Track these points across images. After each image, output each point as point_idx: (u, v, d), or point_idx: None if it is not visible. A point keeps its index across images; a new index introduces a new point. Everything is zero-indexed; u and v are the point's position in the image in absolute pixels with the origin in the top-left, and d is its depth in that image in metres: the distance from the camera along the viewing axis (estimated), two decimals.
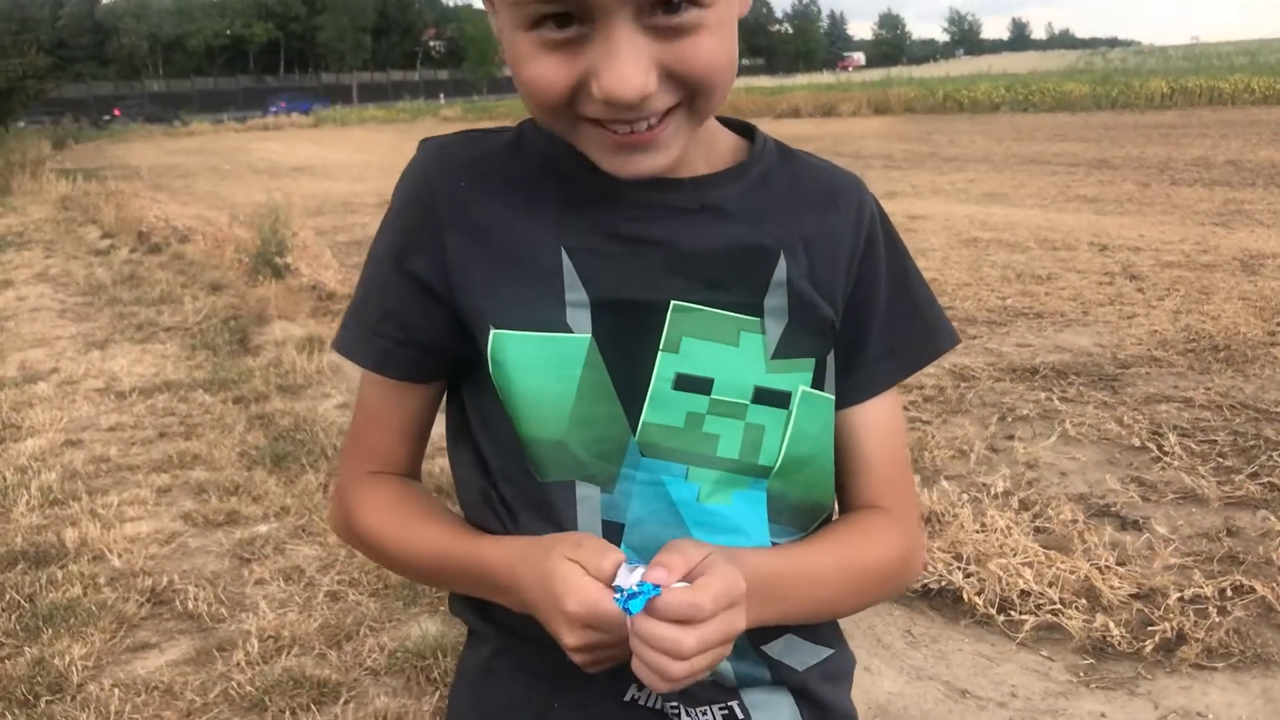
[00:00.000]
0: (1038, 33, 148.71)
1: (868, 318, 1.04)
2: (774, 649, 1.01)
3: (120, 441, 5.07)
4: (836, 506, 1.09)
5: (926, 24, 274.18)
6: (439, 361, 1.00)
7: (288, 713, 2.87)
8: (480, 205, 0.97)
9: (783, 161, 1.05)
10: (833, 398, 1.02)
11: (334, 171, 23.32)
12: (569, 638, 0.84)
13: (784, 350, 0.98)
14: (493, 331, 0.93)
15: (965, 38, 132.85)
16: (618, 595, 0.81)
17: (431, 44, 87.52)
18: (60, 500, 4.39)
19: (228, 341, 6.92)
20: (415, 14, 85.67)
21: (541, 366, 0.93)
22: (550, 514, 0.95)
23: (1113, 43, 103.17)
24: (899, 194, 14.17)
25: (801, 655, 1.04)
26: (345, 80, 77.03)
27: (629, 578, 0.83)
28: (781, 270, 0.98)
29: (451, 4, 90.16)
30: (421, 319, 0.98)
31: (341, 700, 2.95)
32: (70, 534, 3.98)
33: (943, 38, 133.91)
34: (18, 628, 3.38)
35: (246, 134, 44.85)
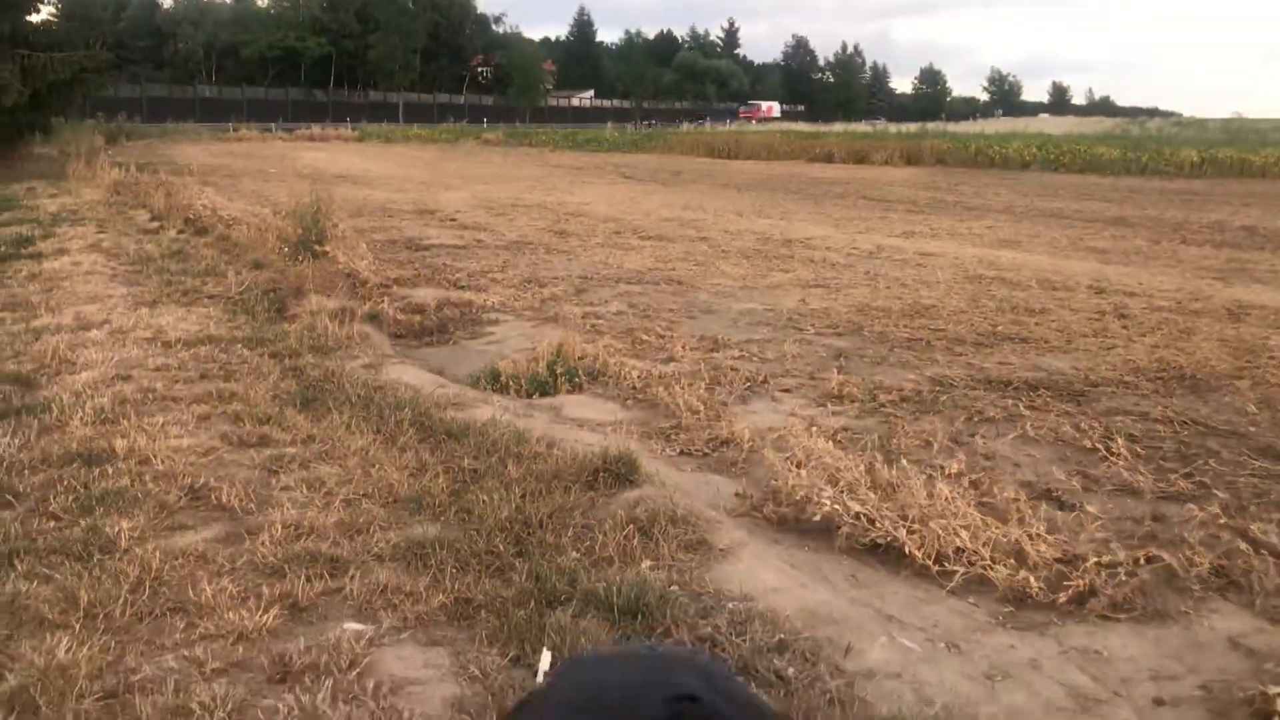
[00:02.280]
0: (1078, 98, 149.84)
1: None
2: None
3: (165, 379, 5.59)
4: None
5: (968, 82, 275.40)
6: None
7: (303, 578, 3.36)
8: None
9: None
10: None
11: (375, 182, 23.98)
12: None
13: None
14: None
15: (1005, 98, 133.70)
16: None
17: (479, 70, 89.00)
18: (111, 419, 4.90)
19: (266, 309, 7.46)
20: (465, 39, 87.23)
21: None
22: None
23: (1153, 113, 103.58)
24: (916, 234, 14.63)
25: None
26: (393, 99, 78.41)
27: None
28: None
29: (501, 31, 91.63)
30: None
31: (349, 574, 3.43)
32: (120, 443, 4.49)
33: (983, 97, 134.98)
34: (74, 505, 3.89)
35: (293, 143, 45.76)
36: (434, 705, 2.75)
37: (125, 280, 8.64)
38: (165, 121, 54.86)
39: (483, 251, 12.02)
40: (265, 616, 3.14)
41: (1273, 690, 3.05)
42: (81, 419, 4.85)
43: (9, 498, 3.98)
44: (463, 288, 9.56)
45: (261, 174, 26.22)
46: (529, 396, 5.85)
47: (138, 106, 62.51)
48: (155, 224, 12.60)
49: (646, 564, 3.67)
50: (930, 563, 4.04)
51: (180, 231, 11.61)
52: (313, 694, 2.74)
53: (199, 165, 26.68)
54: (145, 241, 10.88)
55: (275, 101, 75.98)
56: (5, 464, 4.28)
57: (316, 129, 52.58)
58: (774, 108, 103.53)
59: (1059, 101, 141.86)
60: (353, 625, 3.10)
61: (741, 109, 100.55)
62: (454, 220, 15.46)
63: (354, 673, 2.87)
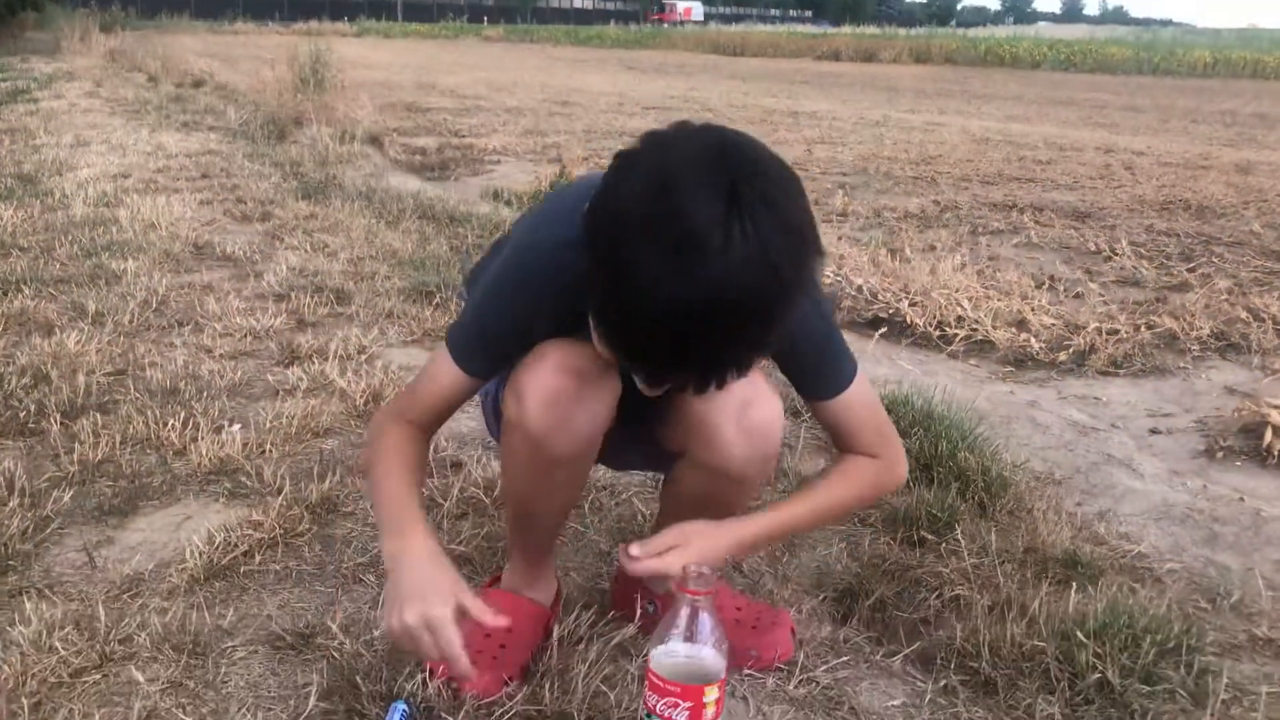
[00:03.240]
0: (1091, 9, 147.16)
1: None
2: None
3: (167, 176, 5.57)
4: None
5: None
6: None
7: (310, 303, 3.37)
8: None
9: None
10: None
11: (374, 66, 23.61)
12: (393, 621, 1.25)
13: None
14: None
15: (1016, 6, 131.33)
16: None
17: None
18: (113, 202, 4.88)
19: (266, 136, 7.40)
20: None
21: None
22: None
23: (1167, 23, 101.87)
24: (922, 111, 14.47)
25: None
26: None
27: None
28: None
29: None
30: (523, 352, 1.40)
31: (354, 304, 3.44)
32: (122, 213, 4.49)
33: (995, 5, 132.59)
34: (79, 253, 3.90)
35: (290, 36, 45.00)
36: None
37: (125, 115, 8.56)
38: (159, 17, 53.77)
39: (484, 114, 11.87)
40: (275, 320, 3.16)
41: (1265, 398, 3.07)
42: (84, 200, 4.84)
43: (14, 251, 3.97)
44: (464, 136, 9.47)
45: (259, 59, 25.88)
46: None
47: (131, 3, 61.29)
48: (151, 82, 12.44)
49: None
50: (932, 329, 4.04)
51: (178, 85, 11.46)
52: (322, 365, 2.76)
53: (197, 52, 26.29)
54: (143, 91, 10.75)
55: None
56: (10, 229, 4.27)
57: (314, 24, 51.59)
58: (692, 9, 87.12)
59: (1072, 10, 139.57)
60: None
61: (651, 11, 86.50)
62: (454, 92, 15.25)
63: (363, 357, 2.89)
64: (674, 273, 1.03)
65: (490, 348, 1.42)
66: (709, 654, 1.25)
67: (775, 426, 1.45)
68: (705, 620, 1.25)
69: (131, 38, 34.52)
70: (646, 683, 1.26)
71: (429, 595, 1.26)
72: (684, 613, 1.24)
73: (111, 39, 17.82)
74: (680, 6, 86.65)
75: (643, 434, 1.52)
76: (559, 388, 1.35)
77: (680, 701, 1.23)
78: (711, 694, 1.24)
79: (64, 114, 8.49)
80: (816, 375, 1.49)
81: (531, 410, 1.36)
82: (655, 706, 1.25)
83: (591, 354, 1.30)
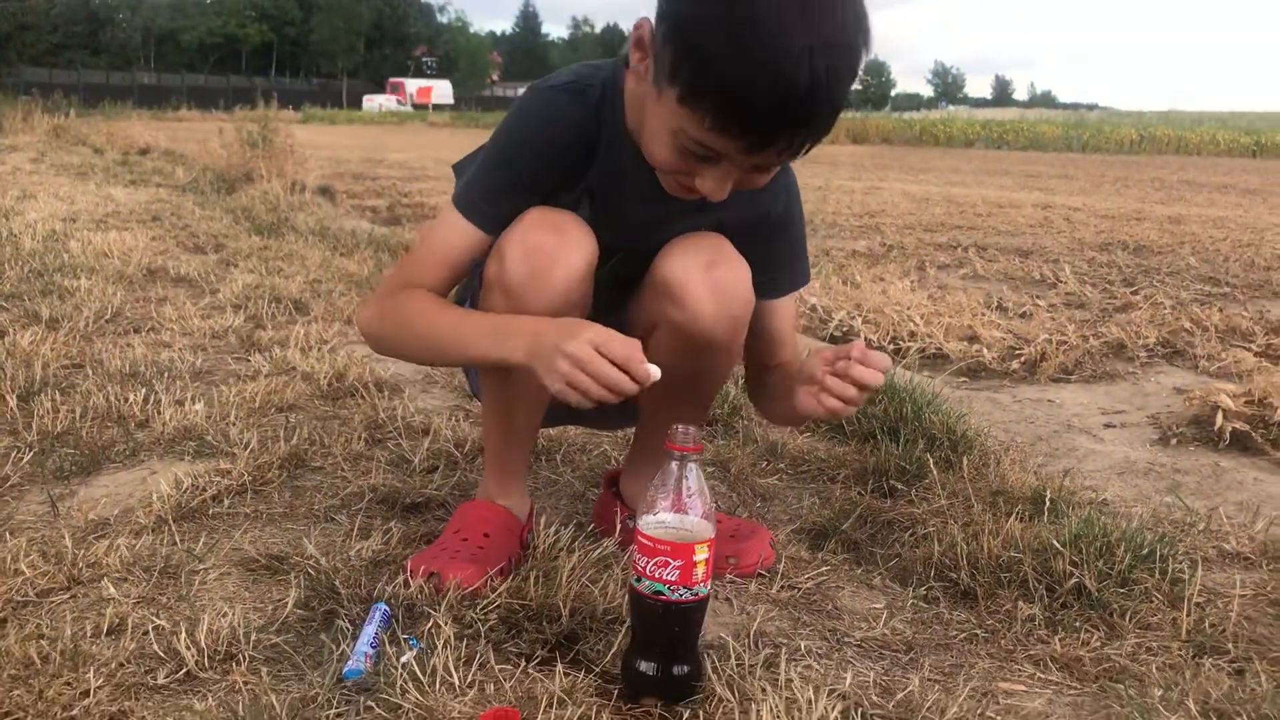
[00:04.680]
0: (1020, 94, 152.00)
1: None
2: None
3: (117, 219, 5.53)
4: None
5: (913, 79, 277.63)
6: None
7: (268, 313, 3.34)
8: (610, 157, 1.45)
9: None
10: None
11: (322, 146, 23.77)
12: (560, 366, 1.28)
13: None
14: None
15: (949, 91, 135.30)
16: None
17: (424, 59, 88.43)
18: (63, 237, 4.83)
19: (216, 190, 7.38)
20: (409, 26, 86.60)
21: None
22: None
23: (1093, 107, 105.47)
24: (864, 180, 14.78)
25: None
26: (336, 86, 77.50)
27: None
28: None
29: (445, 20, 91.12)
30: (525, 207, 1.45)
31: (313, 312, 3.42)
32: (74, 244, 4.45)
33: (927, 91, 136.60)
34: (30, 275, 3.84)
35: (235, 121, 45.14)
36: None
37: (70, 176, 8.50)
38: (103, 105, 53.68)
39: (432, 180, 11.95)
40: (234, 321, 3.13)
41: (1215, 385, 3.14)
42: (33, 237, 4.78)
43: None
44: (413, 197, 9.51)
45: (205, 142, 25.91)
46: None
47: (74, 92, 61.19)
48: (97, 154, 12.39)
49: None
50: (886, 344, 4.10)
51: (125, 154, 11.42)
52: (283, 352, 2.74)
53: (141, 130, 26.26)
54: (89, 158, 10.70)
55: (216, 89, 74.68)
56: None
57: (259, 110, 51.73)
58: (433, 89, 72.46)
59: (1002, 95, 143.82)
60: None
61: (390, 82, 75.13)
62: (402, 165, 15.34)
63: (325, 348, 2.87)
64: (802, 20, 1.14)
65: (498, 194, 1.45)
66: (698, 513, 1.24)
67: (742, 286, 1.49)
68: (693, 477, 1.25)
69: (76, 120, 34.49)
70: (635, 546, 1.25)
71: (580, 329, 1.29)
72: (672, 469, 1.24)
73: (55, 119, 17.72)
74: (411, 86, 74.77)
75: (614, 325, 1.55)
76: (536, 242, 1.40)
77: (670, 560, 1.23)
78: (701, 552, 1.24)
79: (8, 176, 8.42)
80: (788, 263, 1.54)
81: (510, 262, 1.40)
82: (645, 568, 1.24)
83: (570, 215, 1.34)
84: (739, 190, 1.33)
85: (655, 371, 1.28)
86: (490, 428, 1.67)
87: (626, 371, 1.26)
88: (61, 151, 12.43)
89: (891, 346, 4.06)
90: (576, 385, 1.27)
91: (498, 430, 1.64)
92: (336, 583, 1.47)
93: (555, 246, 1.40)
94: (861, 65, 1.22)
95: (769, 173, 1.33)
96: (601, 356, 1.26)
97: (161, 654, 1.31)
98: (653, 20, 1.26)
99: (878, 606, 1.58)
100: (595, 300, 1.49)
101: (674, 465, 1.24)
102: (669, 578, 1.23)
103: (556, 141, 1.43)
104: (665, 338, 1.50)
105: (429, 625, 1.37)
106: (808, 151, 1.26)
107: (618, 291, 1.56)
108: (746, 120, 1.19)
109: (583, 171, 1.45)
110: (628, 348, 1.26)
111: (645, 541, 1.24)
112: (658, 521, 1.24)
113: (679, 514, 1.24)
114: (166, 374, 2.56)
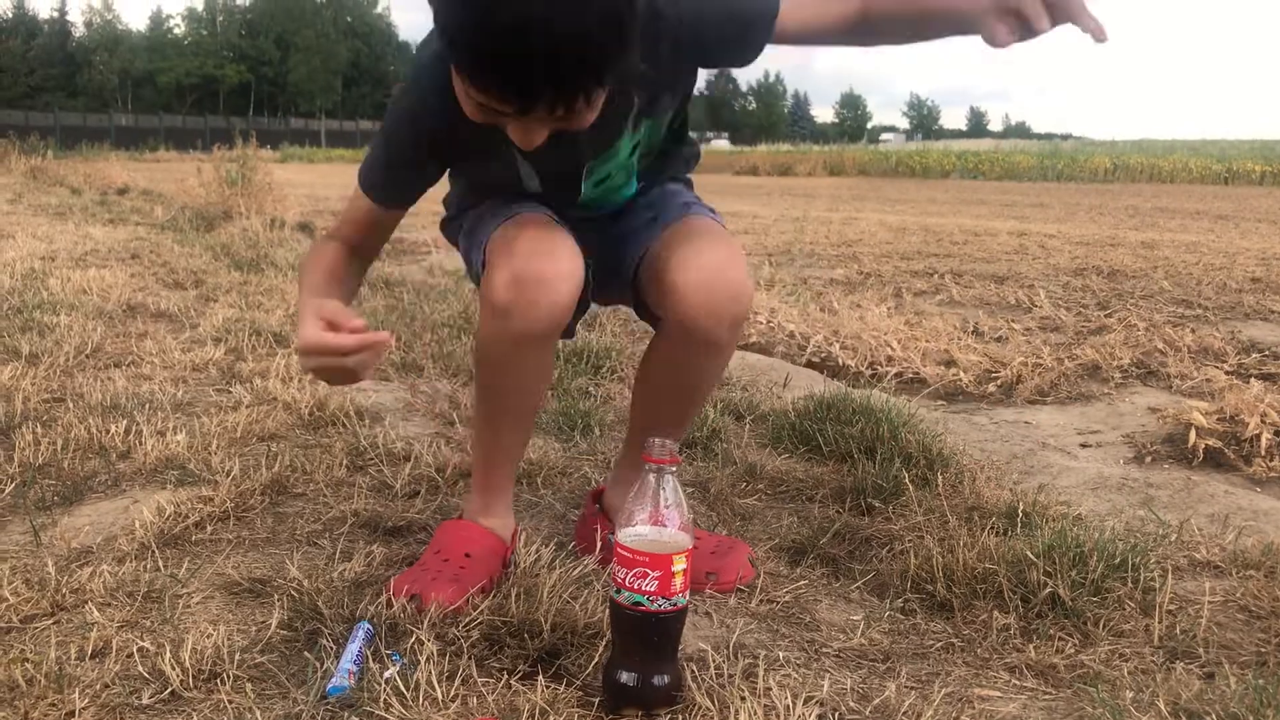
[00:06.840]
0: (995, 125, 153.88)
1: None
2: None
3: (96, 256, 5.53)
4: None
5: (889, 111, 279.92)
6: (414, 200, 1.61)
7: (248, 345, 3.36)
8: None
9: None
10: None
11: (301, 185, 23.83)
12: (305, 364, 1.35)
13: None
14: None
15: (924, 124, 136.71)
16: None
17: None
18: (42, 275, 4.83)
19: (195, 227, 7.39)
20: (387, 64, 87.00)
21: None
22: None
23: (1067, 136, 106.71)
24: (841, 210, 14.92)
25: None
26: (314, 126, 77.72)
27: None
28: None
29: None
30: (420, 184, 1.57)
31: (294, 345, 3.42)
32: (54, 282, 4.45)
33: (903, 124, 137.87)
34: (9, 311, 3.84)
35: (213, 161, 45.19)
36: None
37: (48, 216, 8.50)
38: (79, 147, 53.62)
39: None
40: (215, 354, 3.14)
41: (1188, 404, 3.19)
42: (11, 275, 4.79)
43: None
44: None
45: (183, 182, 25.93)
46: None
47: (51, 134, 61.19)
48: (75, 194, 12.39)
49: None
50: (864, 369, 4.13)
51: (103, 194, 11.42)
52: (264, 383, 2.75)
53: (120, 170, 26.27)
54: (67, 199, 10.69)
55: (193, 130, 74.79)
56: None
57: (237, 150, 51.78)
58: None
59: (977, 126, 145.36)
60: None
61: None
62: None
63: (307, 378, 2.88)
64: None
65: (386, 170, 1.55)
66: (675, 524, 1.27)
67: (745, 288, 1.55)
68: (670, 489, 1.27)
69: (54, 161, 34.51)
70: (615, 558, 1.28)
71: (300, 328, 1.34)
72: (650, 482, 1.27)
73: (32, 160, 17.71)
74: None
75: (610, 264, 1.65)
76: (525, 271, 1.46)
77: (649, 571, 1.25)
78: (679, 563, 1.26)
79: None
80: (747, 19, 1.54)
81: (498, 289, 1.46)
82: (625, 579, 1.26)
83: (562, 238, 1.42)
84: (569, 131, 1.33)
85: (359, 325, 1.32)
86: (476, 445, 1.70)
87: (337, 348, 1.30)
88: (39, 192, 12.43)
89: (869, 372, 4.10)
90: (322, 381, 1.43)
91: (483, 448, 1.67)
92: (319, 603, 1.48)
93: (542, 277, 1.44)
94: (603, 18, 1.17)
95: (581, 118, 1.28)
96: (311, 355, 1.32)
97: (146, 675, 1.32)
98: None
99: (855, 618, 1.60)
100: (587, 240, 1.57)
101: (651, 478, 1.27)
102: (648, 589, 1.25)
103: (418, 121, 1.49)
104: (668, 335, 1.58)
105: (412, 642, 1.38)
106: (598, 105, 1.27)
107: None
108: (499, 83, 1.21)
109: (464, 137, 1.44)
110: (317, 340, 1.31)
111: (624, 553, 1.26)
112: (636, 534, 1.26)
113: (657, 526, 1.26)
114: (147, 406, 2.57)
